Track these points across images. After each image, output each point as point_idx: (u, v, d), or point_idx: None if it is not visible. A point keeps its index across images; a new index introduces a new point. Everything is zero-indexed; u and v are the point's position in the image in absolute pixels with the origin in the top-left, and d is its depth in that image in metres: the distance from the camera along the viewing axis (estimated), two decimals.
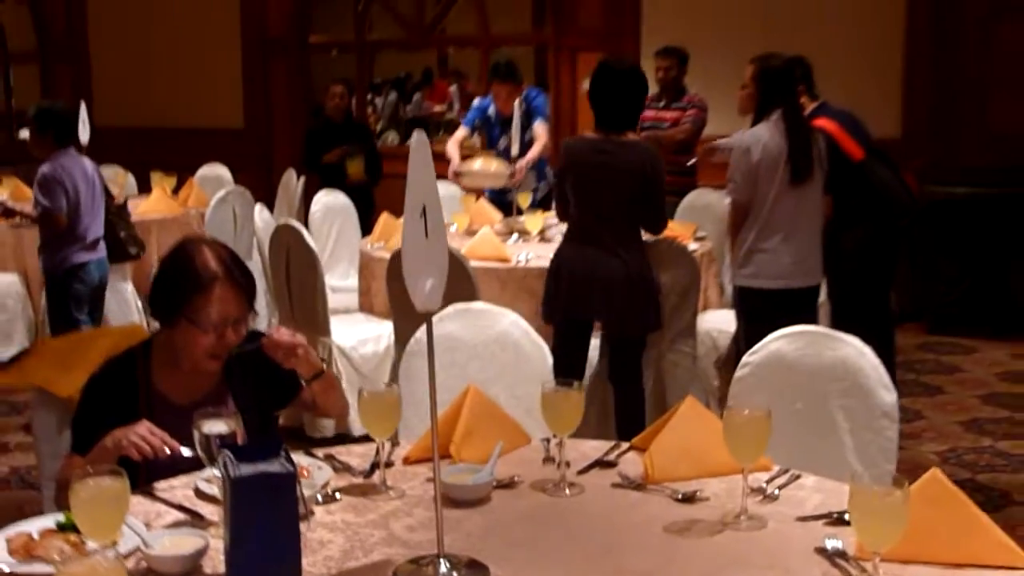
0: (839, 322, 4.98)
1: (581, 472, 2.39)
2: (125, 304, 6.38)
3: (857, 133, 5.06)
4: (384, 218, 5.78)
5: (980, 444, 5.24)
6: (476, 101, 6.93)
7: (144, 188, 7.99)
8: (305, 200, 7.35)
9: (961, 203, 7.06)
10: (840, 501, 2.18)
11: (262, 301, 4.78)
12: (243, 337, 2.51)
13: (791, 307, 4.43)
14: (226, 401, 2.53)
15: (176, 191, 7.53)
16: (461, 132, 6.74)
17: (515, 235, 5.60)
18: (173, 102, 9.73)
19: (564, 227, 5.50)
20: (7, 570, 1.94)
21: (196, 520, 2.16)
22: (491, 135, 6.67)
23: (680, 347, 4.82)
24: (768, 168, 4.41)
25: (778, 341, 2.90)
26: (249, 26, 9.47)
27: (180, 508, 2.22)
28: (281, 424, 2.97)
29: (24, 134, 7.03)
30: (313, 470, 2.35)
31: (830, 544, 1.99)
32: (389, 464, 2.40)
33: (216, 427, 2.11)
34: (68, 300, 5.43)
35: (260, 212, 5.89)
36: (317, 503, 2.22)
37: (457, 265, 4.18)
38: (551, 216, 5.85)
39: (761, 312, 4.44)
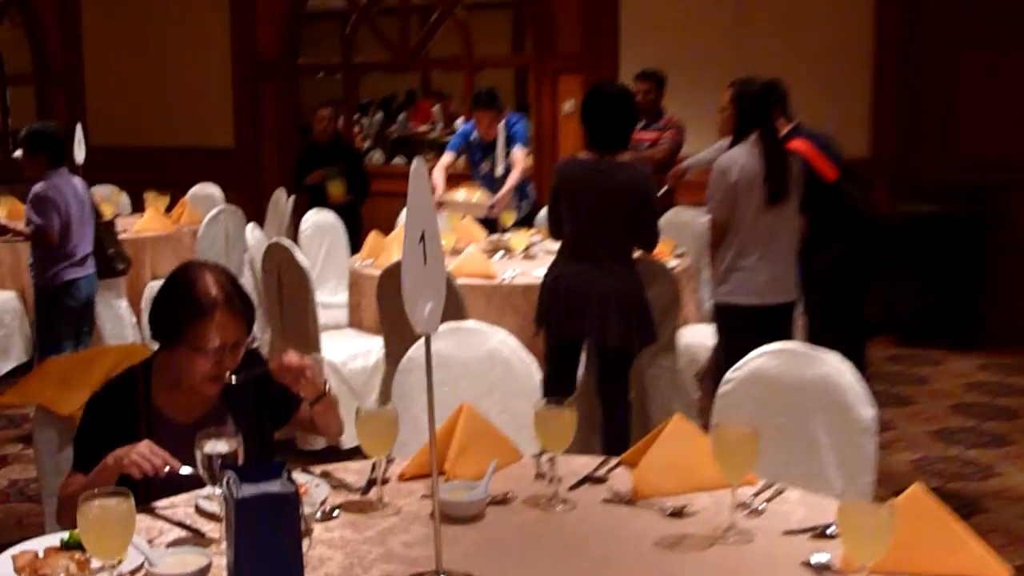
0: (814, 336, 4.99)
1: (572, 488, 2.38)
2: (119, 321, 6.33)
3: (830, 154, 5.07)
4: (373, 236, 5.77)
5: (949, 453, 5.25)
6: (459, 127, 7.03)
7: (138, 207, 7.95)
8: (294, 218, 7.33)
9: (927, 221, 7.10)
10: (824, 515, 2.18)
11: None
12: (240, 359, 2.49)
13: (768, 323, 4.45)
14: (226, 420, 2.50)
15: (169, 210, 7.49)
16: (447, 158, 6.78)
17: (500, 252, 5.59)
18: (166, 123, 9.70)
19: (547, 244, 5.54)
20: None
21: (198, 537, 2.13)
22: (473, 159, 6.75)
23: (661, 361, 4.82)
24: (746, 189, 4.42)
25: (760, 358, 2.90)
26: (240, 49, 9.45)
27: (181, 526, 2.19)
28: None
29: (19, 154, 7.00)
30: (311, 487, 2.33)
31: (816, 558, 1.98)
32: (385, 481, 2.38)
33: (218, 447, 2.08)
34: (57, 315, 5.44)
35: (252, 230, 5.86)
36: (316, 520, 2.19)
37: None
38: (535, 234, 5.87)
39: (740, 328, 4.45)
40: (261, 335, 5.69)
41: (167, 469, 2.26)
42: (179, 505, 2.29)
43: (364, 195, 7.77)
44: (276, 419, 2.67)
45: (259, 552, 1.75)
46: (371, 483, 2.37)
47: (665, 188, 6.59)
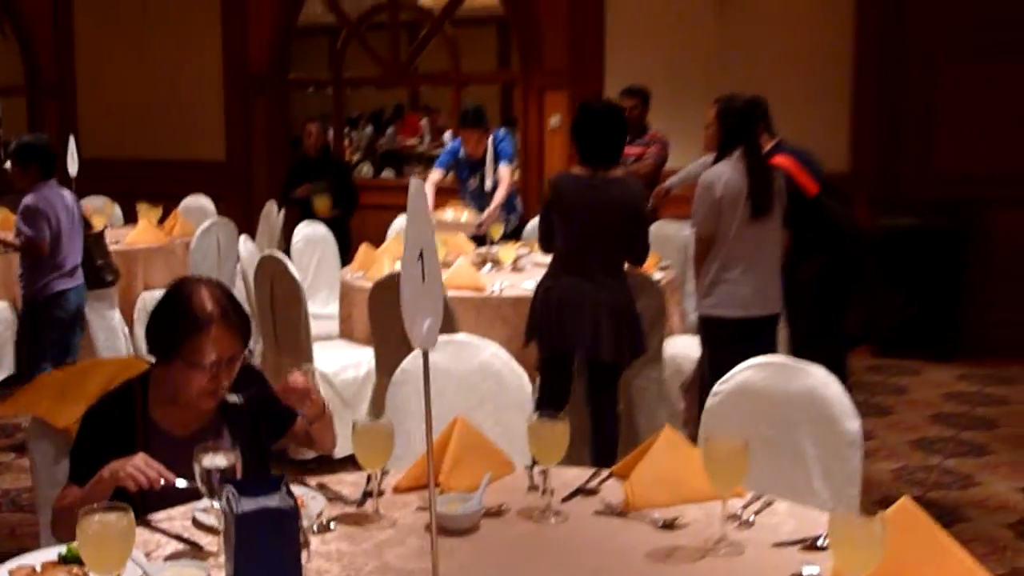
0: (796, 347, 5.01)
1: (565, 500, 2.37)
2: (112, 331, 6.29)
3: (812, 169, 5.09)
4: (364, 248, 5.76)
5: (929, 462, 5.27)
6: (447, 143, 7.04)
7: (130, 218, 7.91)
8: (285, 230, 7.32)
9: (907, 234, 7.14)
10: (812, 526, 2.18)
11: None
12: (236, 374, 2.47)
13: (753, 334, 4.45)
14: (222, 433, 2.49)
15: (161, 221, 7.45)
16: (436, 175, 6.79)
17: (488, 265, 5.59)
18: (158, 135, 9.66)
19: (535, 257, 5.54)
20: None
21: (195, 550, 2.11)
22: (461, 176, 6.78)
23: (648, 372, 4.82)
24: (730, 204, 4.43)
25: (747, 371, 2.90)
26: (231, 63, 9.43)
27: (179, 539, 2.17)
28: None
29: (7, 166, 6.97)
30: (307, 500, 2.32)
31: (807, 570, 1.98)
32: (380, 493, 2.37)
33: (216, 461, 2.07)
34: (46, 326, 5.43)
35: (245, 243, 5.84)
36: (313, 533, 2.18)
37: None
38: (522, 247, 5.87)
39: (724, 339, 4.46)
40: (253, 346, 5.67)
41: (162, 482, 2.24)
42: (176, 518, 2.27)
43: (351, 209, 7.76)
44: (272, 433, 2.65)
45: (258, 566, 1.74)
46: (366, 495, 2.36)
47: (649, 206, 6.61)
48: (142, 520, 2.23)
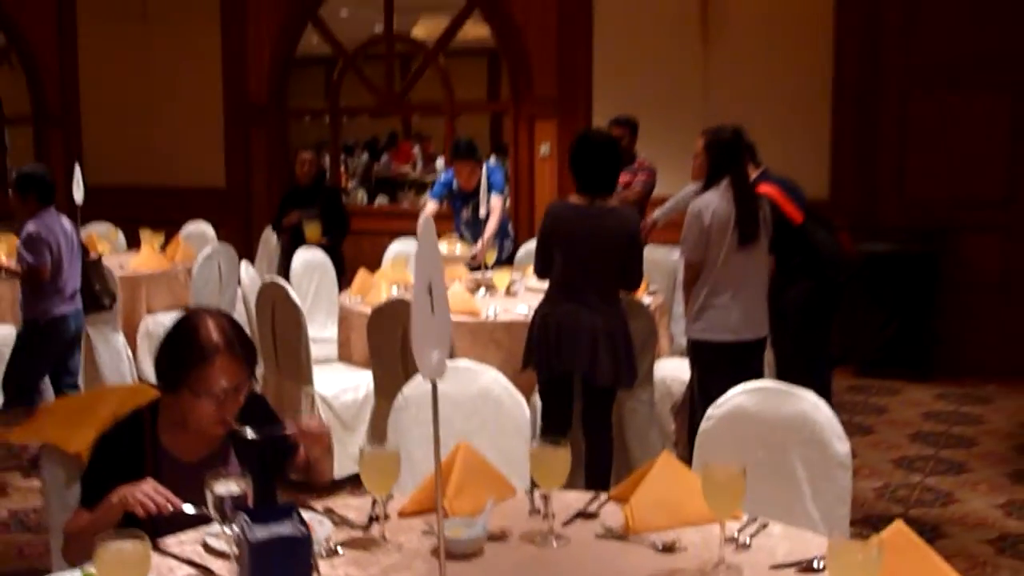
0: (782, 369, 5.02)
1: (566, 523, 2.36)
2: (116, 354, 6.26)
3: (796, 198, 5.11)
4: (361, 273, 5.75)
5: (911, 480, 5.26)
6: (441, 175, 7.06)
7: (133, 244, 7.88)
8: (282, 257, 7.29)
9: (884, 259, 7.17)
10: (807, 548, 2.17)
11: None
12: (242, 403, 2.46)
13: (741, 358, 4.46)
14: (229, 459, 2.47)
15: (164, 247, 7.43)
16: (432, 207, 6.78)
17: (483, 290, 5.58)
18: (160, 163, 9.66)
19: (528, 282, 5.54)
20: None
21: (207, 575, 2.09)
22: (455, 206, 6.79)
23: (639, 395, 4.81)
24: (718, 231, 4.44)
25: (739, 396, 2.89)
26: (231, 93, 9.44)
27: (191, 563, 2.15)
28: None
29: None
30: (315, 524, 2.29)
31: None
32: (386, 517, 2.35)
33: (228, 487, 2.05)
34: (45, 349, 5.42)
35: (246, 269, 5.82)
36: (321, 557, 2.16)
37: None
38: (515, 272, 5.86)
39: (713, 363, 4.46)
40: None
41: (169, 508, 2.22)
42: (187, 542, 2.25)
43: (341, 236, 7.60)
44: (278, 462, 2.63)
45: None
46: (372, 520, 2.34)
47: None
48: (153, 545, 2.21)
